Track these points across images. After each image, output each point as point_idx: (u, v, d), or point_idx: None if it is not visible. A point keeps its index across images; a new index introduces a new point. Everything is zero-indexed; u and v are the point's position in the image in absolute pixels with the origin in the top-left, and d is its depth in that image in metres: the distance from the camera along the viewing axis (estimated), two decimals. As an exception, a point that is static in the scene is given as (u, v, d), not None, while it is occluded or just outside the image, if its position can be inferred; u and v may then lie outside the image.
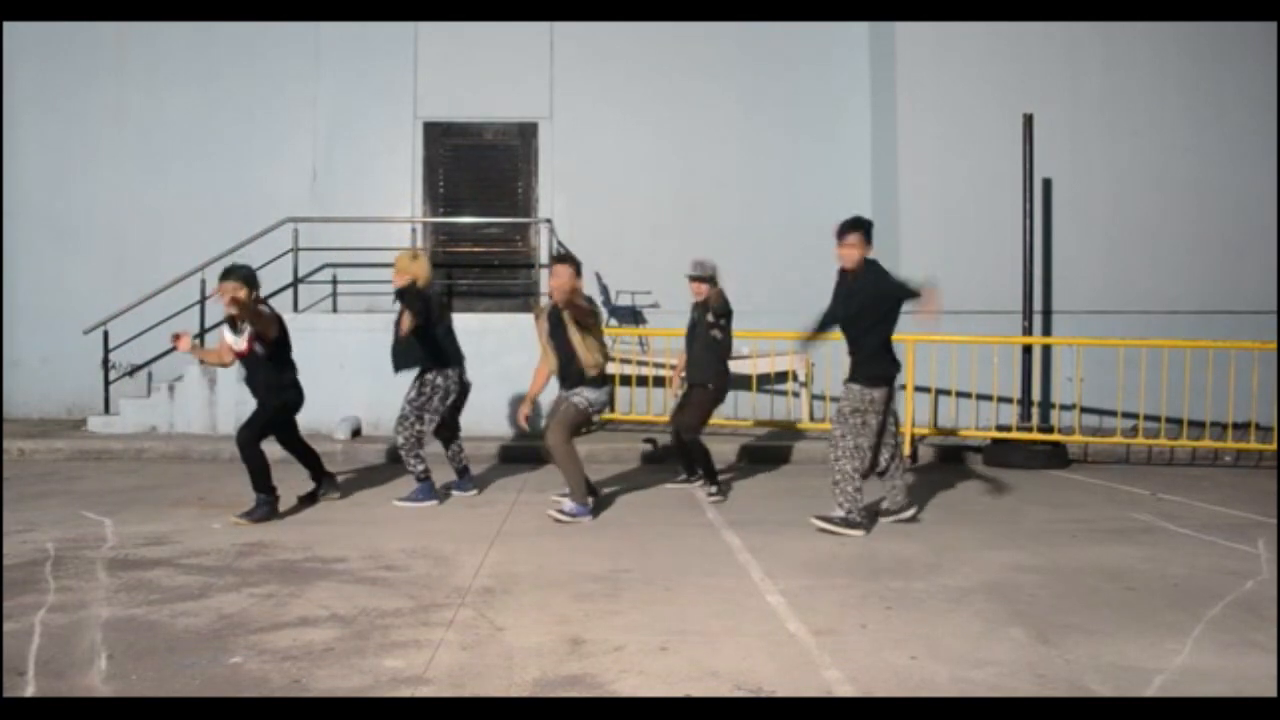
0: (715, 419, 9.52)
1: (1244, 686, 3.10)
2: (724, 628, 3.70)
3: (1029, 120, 8.82)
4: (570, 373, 5.99)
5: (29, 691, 3.01)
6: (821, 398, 9.85)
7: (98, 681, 3.10)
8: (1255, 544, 5.23)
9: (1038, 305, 9.59)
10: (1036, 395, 9.18)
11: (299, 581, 4.35)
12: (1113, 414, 9.07)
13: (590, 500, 6.00)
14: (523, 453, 8.51)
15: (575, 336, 5.89)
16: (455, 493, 6.76)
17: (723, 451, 8.76)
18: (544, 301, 6.40)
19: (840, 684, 3.09)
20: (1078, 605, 4.02)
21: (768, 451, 8.76)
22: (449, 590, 4.21)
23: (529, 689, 3.04)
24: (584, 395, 5.98)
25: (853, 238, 5.52)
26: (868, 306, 5.48)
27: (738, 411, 9.68)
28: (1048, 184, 10.21)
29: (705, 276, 6.81)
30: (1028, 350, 8.85)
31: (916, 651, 3.41)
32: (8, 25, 10.85)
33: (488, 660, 3.30)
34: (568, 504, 5.90)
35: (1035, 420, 8.83)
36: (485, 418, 9.11)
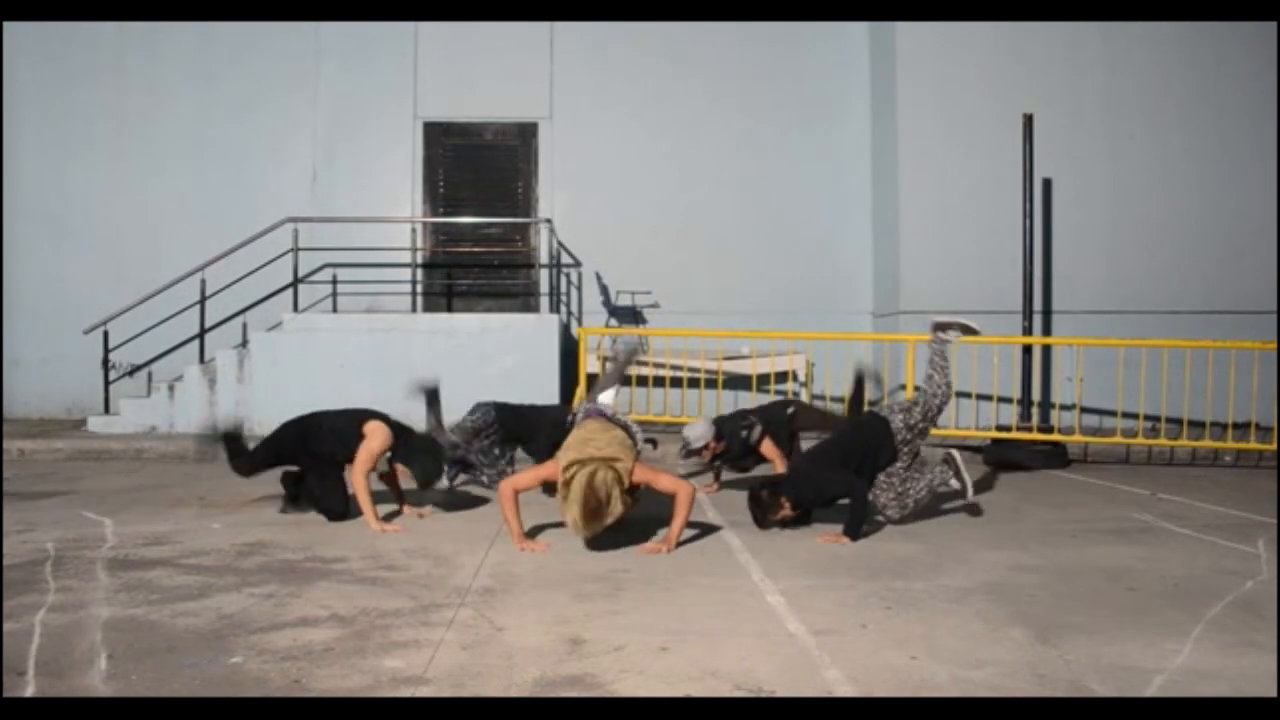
0: (715, 419, 9.55)
1: (1244, 686, 3.09)
2: (724, 628, 3.69)
3: (1029, 120, 8.82)
4: None
5: (29, 691, 3.01)
6: (822, 397, 9.84)
7: (98, 681, 3.10)
8: (1255, 544, 5.23)
9: (1038, 305, 9.59)
10: (1036, 395, 9.18)
11: (299, 581, 4.35)
12: (1113, 414, 9.07)
13: None
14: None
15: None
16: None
17: (723, 451, 8.75)
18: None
19: (840, 684, 3.09)
20: (1078, 605, 4.02)
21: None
22: (449, 590, 4.21)
23: (529, 689, 3.04)
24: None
25: None
26: None
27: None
28: (1048, 184, 10.21)
29: None
30: (1028, 350, 8.85)
31: (916, 651, 3.40)
32: (8, 25, 10.86)
33: (488, 660, 3.30)
34: None
35: (1035, 420, 8.82)
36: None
